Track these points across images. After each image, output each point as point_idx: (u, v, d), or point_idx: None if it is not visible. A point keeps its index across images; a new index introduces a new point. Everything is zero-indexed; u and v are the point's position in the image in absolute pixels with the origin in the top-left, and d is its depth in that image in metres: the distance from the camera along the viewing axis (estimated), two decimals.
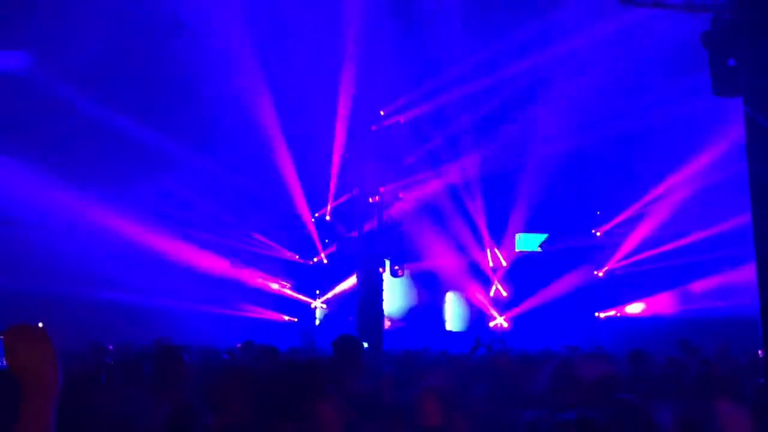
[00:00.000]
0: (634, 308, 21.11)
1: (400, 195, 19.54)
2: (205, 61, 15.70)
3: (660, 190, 19.15)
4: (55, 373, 1.64)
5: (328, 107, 18.34)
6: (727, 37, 7.21)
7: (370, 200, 19.18)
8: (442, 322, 23.12)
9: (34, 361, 1.62)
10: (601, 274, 21.89)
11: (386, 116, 19.05)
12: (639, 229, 20.23)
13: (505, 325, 22.31)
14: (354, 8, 16.17)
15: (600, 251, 21.72)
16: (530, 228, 21.65)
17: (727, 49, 7.22)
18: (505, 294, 22.92)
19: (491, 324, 22.68)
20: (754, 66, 6.74)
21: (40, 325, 1.83)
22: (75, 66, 14.91)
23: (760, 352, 8.07)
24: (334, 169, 19.40)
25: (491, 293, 22.76)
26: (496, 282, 22.61)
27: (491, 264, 22.69)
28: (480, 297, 22.74)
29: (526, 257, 22.27)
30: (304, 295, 21.34)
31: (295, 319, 21.20)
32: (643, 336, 17.86)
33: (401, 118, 19.23)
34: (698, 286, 18.84)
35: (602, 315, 21.77)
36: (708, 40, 7.43)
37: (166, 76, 16.07)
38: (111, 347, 13.10)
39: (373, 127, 18.89)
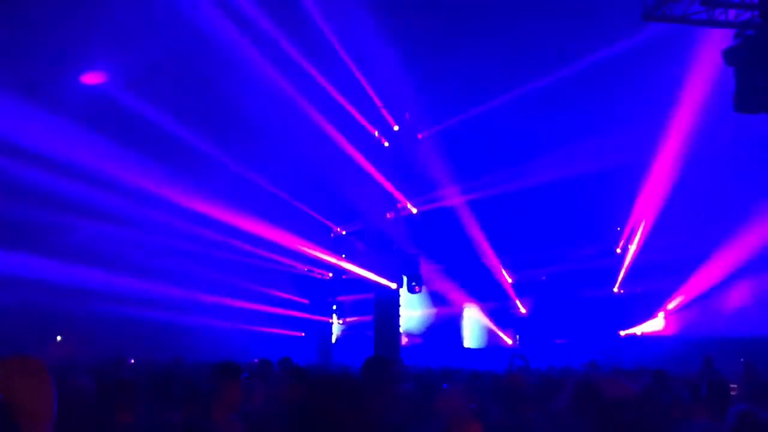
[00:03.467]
0: (654, 325, 20.82)
1: (417, 210, 19.52)
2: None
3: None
4: (51, 405, 1.64)
5: (345, 126, 18.40)
6: (751, 52, 7.13)
7: (388, 216, 19.19)
8: (459, 338, 22.98)
9: (29, 394, 1.61)
10: (621, 291, 21.67)
11: (403, 133, 19.06)
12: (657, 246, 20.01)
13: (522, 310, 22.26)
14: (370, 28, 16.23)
15: (616, 269, 21.54)
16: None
17: (752, 65, 7.14)
18: (524, 311, 22.77)
19: (508, 341, 22.51)
20: None
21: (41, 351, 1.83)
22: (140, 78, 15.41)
23: None
24: (353, 185, 19.42)
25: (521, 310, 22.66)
26: (517, 299, 22.49)
27: (510, 280, 22.56)
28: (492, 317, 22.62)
29: (549, 275, 22.08)
30: (321, 311, 21.33)
31: (303, 334, 21.22)
32: (666, 355, 17.62)
33: (419, 135, 19.26)
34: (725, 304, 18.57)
35: (624, 333, 21.50)
36: (732, 56, 7.36)
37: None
38: (132, 361, 13.24)
39: (385, 143, 18.90)
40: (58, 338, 17.93)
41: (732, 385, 10.58)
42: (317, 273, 21.41)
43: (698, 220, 17.95)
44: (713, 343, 16.49)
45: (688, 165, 17.56)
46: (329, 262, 20.77)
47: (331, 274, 21.40)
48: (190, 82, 15.82)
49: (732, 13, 7.70)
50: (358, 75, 17.43)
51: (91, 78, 15.93)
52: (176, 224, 17.75)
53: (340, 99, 17.90)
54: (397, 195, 19.63)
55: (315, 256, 20.37)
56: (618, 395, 4.66)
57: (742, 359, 13.40)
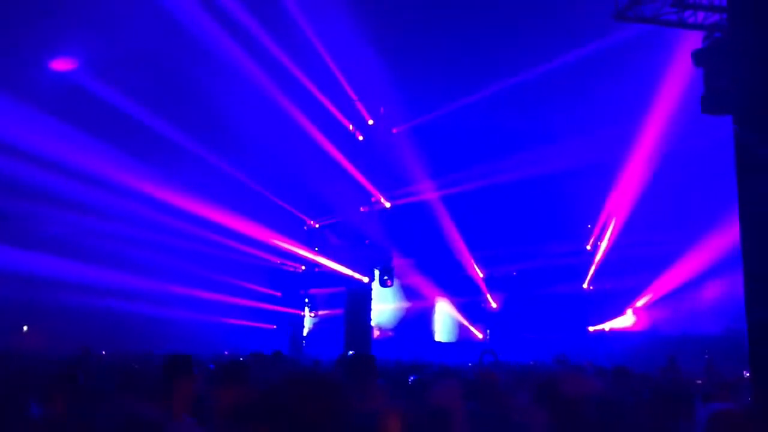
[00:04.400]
0: (623, 321, 21.13)
1: (390, 204, 19.55)
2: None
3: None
4: None
5: (320, 119, 18.35)
6: (718, 55, 7.27)
7: (361, 210, 19.19)
8: (430, 332, 23.09)
9: None
10: (590, 287, 21.98)
11: (378, 128, 19.06)
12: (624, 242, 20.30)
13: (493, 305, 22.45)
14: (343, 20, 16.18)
15: (586, 265, 21.81)
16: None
17: (718, 67, 7.28)
18: (495, 306, 22.95)
19: (479, 335, 22.68)
20: (743, 85, 6.78)
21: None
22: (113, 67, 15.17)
23: (745, 372, 8.07)
24: (326, 180, 19.37)
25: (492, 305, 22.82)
26: (490, 294, 22.65)
27: (481, 275, 22.71)
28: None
29: (520, 270, 22.26)
30: (293, 304, 21.26)
31: (274, 327, 21.15)
32: (635, 351, 17.90)
33: (394, 130, 19.27)
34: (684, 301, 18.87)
35: (592, 329, 21.79)
36: (699, 58, 7.50)
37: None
38: (103, 352, 13.10)
39: (360, 137, 18.87)
40: (24, 328, 17.69)
41: (698, 381, 10.85)
42: (290, 266, 21.34)
43: (670, 219, 18.22)
44: (680, 340, 16.81)
45: (661, 164, 17.79)
46: (302, 255, 20.74)
47: (303, 267, 21.35)
48: (164, 73, 15.65)
49: (701, 16, 7.85)
50: (334, 69, 17.38)
51: (61, 64, 15.62)
52: (148, 215, 17.58)
53: (316, 92, 17.84)
54: (371, 189, 19.63)
55: (288, 249, 20.32)
56: (577, 393, 4.73)
57: (705, 356, 13.72)
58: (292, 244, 20.37)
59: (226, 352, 15.05)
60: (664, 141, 17.12)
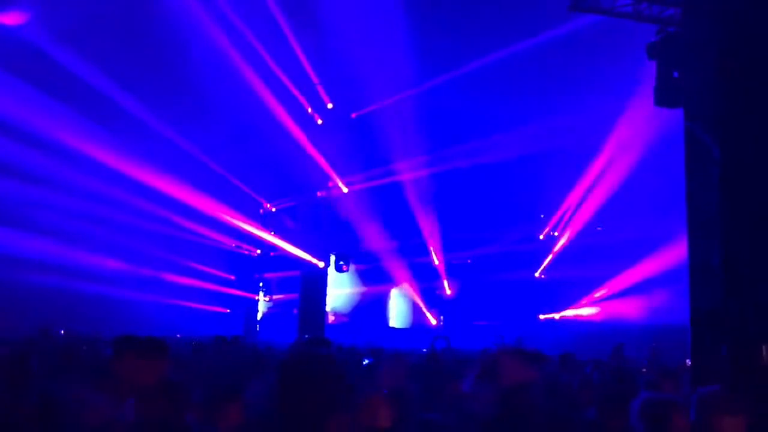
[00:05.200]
0: (579, 311, 21.38)
1: (349, 190, 19.45)
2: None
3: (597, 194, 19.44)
4: None
5: (280, 99, 18.07)
6: (671, 48, 7.38)
7: (318, 194, 19.07)
8: (385, 318, 23.16)
9: None
10: (542, 276, 22.28)
11: (337, 112, 18.90)
12: (579, 233, 20.57)
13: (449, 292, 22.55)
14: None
15: (542, 254, 22.07)
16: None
17: (671, 60, 7.39)
18: (449, 292, 23.11)
19: (433, 321, 22.84)
20: (696, 79, 6.90)
21: None
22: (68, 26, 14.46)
23: (688, 361, 8.27)
24: (284, 163, 19.15)
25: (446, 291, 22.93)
26: (447, 281, 22.76)
27: (436, 262, 22.82)
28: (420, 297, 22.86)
29: (474, 257, 22.40)
30: (247, 288, 21.04)
31: (228, 311, 20.87)
32: (585, 339, 18.21)
33: (353, 114, 19.14)
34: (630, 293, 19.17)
35: (543, 317, 22.13)
36: (653, 50, 7.59)
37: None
38: (62, 332, 12.68)
39: (319, 120, 18.68)
40: None
41: (642, 370, 11.09)
42: (245, 249, 21.11)
43: (640, 213, 18.17)
44: (631, 330, 17.14)
45: (629, 156, 17.69)
46: (257, 237, 20.50)
47: (259, 251, 21.14)
48: (123, 37, 15.00)
49: (657, 9, 7.95)
50: (297, 49, 17.13)
51: (10, 18, 14.76)
52: (98, 187, 16.88)
53: (279, 73, 17.55)
54: (329, 173, 19.49)
55: (244, 229, 19.99)
56: (518, 378, 4.76)
57: (652, 344, 14.05)
58: (248, 225, 20.08)
59: (178, 335, 14.83)
60: (637, 131, 16.81)
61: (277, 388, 2.50)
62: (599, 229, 20.07)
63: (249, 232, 20.21)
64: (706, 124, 6.71)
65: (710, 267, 6.77)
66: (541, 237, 22.32)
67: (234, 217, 19.60)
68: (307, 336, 15.08)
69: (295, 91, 18.32)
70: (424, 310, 23.02)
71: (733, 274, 6.60)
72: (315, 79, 18.39)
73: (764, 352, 6.19)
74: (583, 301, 21.14)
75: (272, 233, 20.50)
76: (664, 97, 7.50)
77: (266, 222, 20.65)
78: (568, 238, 21.11)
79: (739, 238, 6.61)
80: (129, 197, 17.56)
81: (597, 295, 20.71)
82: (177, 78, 15.71)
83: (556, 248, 21.55)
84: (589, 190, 19.65)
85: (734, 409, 3.35)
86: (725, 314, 6.56)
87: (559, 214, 21.37)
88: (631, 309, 19.06)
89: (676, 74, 7.39)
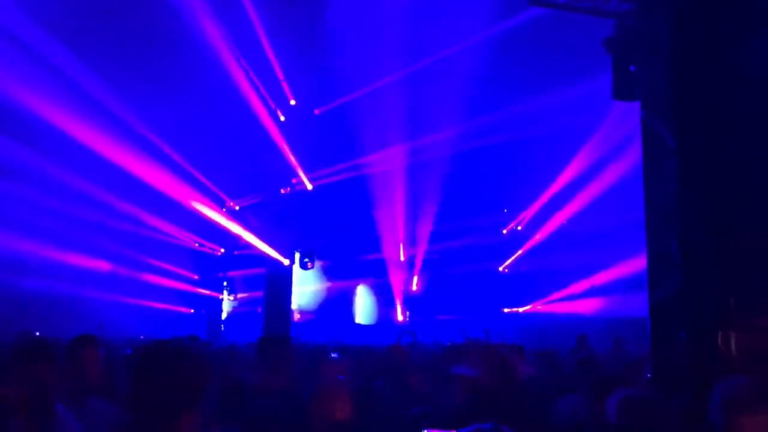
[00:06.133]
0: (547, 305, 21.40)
1: (313, 186, 19.35)
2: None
3: (561, 188, 19.58)
4: None
5: (241, 96, 17.85)
6: (628, 43, 7.51)
7: (282, 191, 18.94)
8: (351, 314, 23.15)
9: None
10: (506, 270, 22.51)
11: (300, 108, 18.77)
12: (542, 228, 20.78)
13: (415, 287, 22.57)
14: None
15: (506, 249, 22.27)
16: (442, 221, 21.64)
17: (628, 54, 7.52)
18: (415, 288, 23.20)
19: (399, 317, 22.90)
20: (652, 72, 7.03)
21: None
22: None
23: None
24: (247, 159, 18.94)
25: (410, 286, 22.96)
26: (415, 276, 22.80)
27: (402, 258, 22.88)
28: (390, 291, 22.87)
29: (439, 252, 22.48)
30: (211, 287, 20.79)
31: (192, 311, 20.53)
32: (545, 332, 18.44)
33: (316, 111, 19.05)
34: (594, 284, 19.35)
35: (507, 311, 22.36)
36: (611, 45, 7.72)
37: None
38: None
39: (282, 117, 18.53)
40: None
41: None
42: (208, 248, 20.86)
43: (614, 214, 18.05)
44: (595, 321, 17.37)
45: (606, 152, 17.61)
46: (222, 234, 20.24)
47: (222, 250, 20.91)
48: (91, 22, 14.46)
49: (614, 4, 8.07)
50: (266, 45, 16.93)
51: None
52: (51, 172, 16.09)
53: (246, 68, 17.28)
54: (293, 170, 19.36)
55: (211, 222, 19.53)
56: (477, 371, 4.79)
57: (614, 336, 14.28)
58: (212, 222, 19.76)
59: (142, 337, 14.53)
60: (612, 129, 16.47)
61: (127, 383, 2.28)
62: (565, 223, 20.23)
63: (216, 226, 19.78)
64: (662, 116, 6.84)
65: (668, 256, 6.90)
66: (505, 231, 22.54)
67: (198, 212, 19.21)
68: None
69: (261, 88, 18.13)
70: (388, 306, 23.05)
71: (690, 262, 6.74)
72: (280, 75, 18.24)
73: (719, 340, 6.35)
74: (548, 297, 21.33)
75: (239, 227, 20.26)
76: (621, 91, 7.63)
77: (230, 219, 20.39)
78: (537, 233, 21.23)
79: (696, 227, 6.76)
80: (85, 186, 16.84)
81: (558, 294, 20.81)
82: (140, 63, 15.23)
83: (527, 244, 21.65)
84: (557, 184, 19.79)
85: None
86: (683, 302, 6.71)
87: (527, 210, 21.47)
88: (593, 304, 19.34)
89: (632, 68, 7.52)
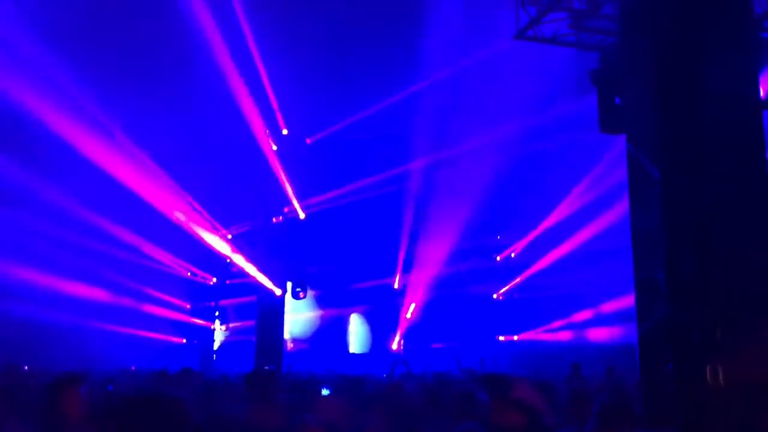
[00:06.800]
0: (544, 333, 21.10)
1: (303, 216, 19.38)
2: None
3: (557, 215, 19.55)
4: None
5: (240, 124, 17.94)
6: (612, 76, 7.62)
7: (274, 220, 18.96)
8: (345, 343, 23.03)
9: None
10: (500, 297, 22.45)
11: (292, 137, 18.89)
12: (538, 255, 20.70)
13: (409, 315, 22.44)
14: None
15: (500, 275, 22.22)
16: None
17: (612, 87, 7.63)
18: (409, 316, 23.10)
19: (393, 345, 22.77)
20: (635, 105, 7.13)
21: None
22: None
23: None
24: (240, 187, 18.98)
25: (407, 315, 22.87)
26: (412, 305, 22.69)
27: (396, 286, 22.83)
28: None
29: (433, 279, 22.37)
30: (202, 316, 20.67)
31: (184, 341, 20.32)
32: (539, 359, 18.36)
33: (308, 140, 19.19)
34: (587, 314, 19.28)
35: (502, 338, 22.25)
36: (596, 77, 7.83)
37: None
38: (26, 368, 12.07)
39: (274, 147, 18.63)
40: None
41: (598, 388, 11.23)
42: (200, 277, 20.79)
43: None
44: (582, 348, 17.31)
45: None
46: (214, 263, 20.19)
47: (214, 279, 20.85)
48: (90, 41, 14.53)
49: (598, 38, 8.22)
50: (263, 75, 17.09)
51: None
52: (45, 198, 16.00)
53: (244, 98, 17.39)
54: (285, 199, 19.39)
55: (207, 247, 19.41)
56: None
57: (608, 365, 14.23)
58: (206, 250, 19.66)
59: (133, 368, 14.36)
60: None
61: None
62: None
63: (208, 254, 19.68)
64: (646, 146, 6.93)
65: (655, 286, 6.94)
66: (498, 258, 22.53)
67: (192, 240, 19.12)
68: (267, 367, 14.92)
69: (258, 116, 18.22)
70: (381, 334, 22.91)
71: (677, 292, 6.78)
72: (275, 104, 18.36)
73: (708, 372, 6.36)
74: (544, 326, 21.11)
75: (229, 261, 20.21)
76: (607, 123, 7.73)
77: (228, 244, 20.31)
78: (534, 261, 20.99)
79: (682, 257, 6.81)
80: (81, 211, 16.75)
81: (555, 322, 20.62)
82: (143, 88, 15.32)
83: (524, 272, 21.44)
84: (555, 214, 19.72)
85: None
86: (670, 332, 6.73)
87: (523, 238, 21.32)
88: (588, 332, 19.25)
89: (617, 101, 7.63)
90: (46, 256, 16.35)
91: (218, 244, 19.50)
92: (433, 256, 21.38)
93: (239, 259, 19.26)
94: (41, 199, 16.14)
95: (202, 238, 19.22)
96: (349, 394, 7.93)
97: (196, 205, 18.86)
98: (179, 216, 18.31)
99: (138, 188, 17.22)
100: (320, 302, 22.06)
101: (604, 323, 18.28)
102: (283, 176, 18.88)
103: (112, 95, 15.72)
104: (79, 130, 15.74)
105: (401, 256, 21.93)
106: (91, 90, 15.41)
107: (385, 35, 15.46)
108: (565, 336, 20.11)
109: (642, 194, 7.27)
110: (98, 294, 17.85)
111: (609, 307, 17.60)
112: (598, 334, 18.31)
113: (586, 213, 17.92)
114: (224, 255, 19.68)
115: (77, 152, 15.88)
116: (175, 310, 20.30)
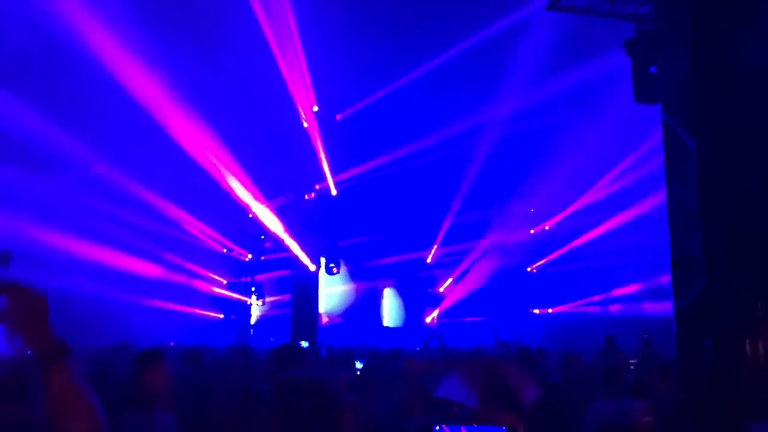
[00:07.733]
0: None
1: (338, 191, 19.42)
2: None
3: (595, 190, 19.29)
4: None
5: (269, 103, 17.91)
6: (648, 46, 7.42)
7: (307, 197, 19.04)
8: (379, 317, 23.19)
9: None
10: (534, 270, 22.34)
11: (323, 114, 18.85)
12: (573, 229, 20.46)
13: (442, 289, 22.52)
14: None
15: (534, 249, 22.06)
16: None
17: (648, 57, 7.44)
18: (443, 290, 23.16)
19: (427, 319, 22.87)
20: (672, 75, 6.94)
21: None
22: None
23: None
24: (271, 166, 19.01)
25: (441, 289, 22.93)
26: (449, 279, 22.73)
27: (430, 260, 22.86)
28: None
29: (463, 252, 22.33)
30: (240, 292, 20.88)
31: (221, 316, 20.50)
32: (573, 332, 18.28)
33: (338, 116, 19.14)
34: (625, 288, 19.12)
35: (536, 311, 22.18)
36: (631, 48, 7.64)
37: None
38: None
39: (305, 123, 18.62)
40: None
41: (632, 361, 11.16)
42: (236, 252, 20.99)
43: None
44: (624, 321, 17.12)
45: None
46: (249, 239, 20.33)
47: (250, 255, 21.04)
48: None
49: (632, 7, 8.00)
50: (300, 52, 17.07)
51: None
52: (88, 171, 16.05)
53: (282, 73, 17.37)
54: (317, 174, 19.42)
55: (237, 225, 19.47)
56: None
57: (644, 336, 14.09)
58: (243, 225, 19.77)
59: (172, 344, 14.49)
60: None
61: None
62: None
63: (244, 229, 19.75)
64: (683, 118, 6.76)
65: (692, 261, 6.82)
66: (532, 231, 22.36)
67: (230, 213, 19.16)
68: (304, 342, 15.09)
69: (292, 94, 18.17)
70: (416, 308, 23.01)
71: (714, 266, 6.65)
72: (308, 80, 18.28)
73: (747, 346, 6.26)
74: (579, 299, 20.95)
75: (263, 238, 20.33)
76: (642, 94, 7.56)
77: (255, 227, 20.37)
78: (572, 236, 20.72)
79: (718, 230, 6.67)
80: (123, 182, 16.73)
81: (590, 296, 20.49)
82: (190, 64, 15.35)
83: (562, 248, 21.21)
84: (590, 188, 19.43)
85: None
86: (707, 308, 6.62)
87: (559, 211, 21.01)
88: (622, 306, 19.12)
89: (653, 70, 7.44)
90: (89, 228, 16.24)
91: (265, 214, 19.44)
92: (464, 230, 21.31)
93: (280, 230, 19.22)
94: (87, 169, 16.22)
95: (249, 208, 19.23)
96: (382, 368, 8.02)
97: (243, 176, 18.73)
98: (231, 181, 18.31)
99: (182, 152, 17.02)
100: (354, 276, 22.19)
101: (641, 298, 18.13)
102: (317, 152, 18.88)
103: (168, 76, 15.72)
104: (137, 103, 15.74)
105: (443, 229, 21.82)
106: (147, 70, 15.47)
107: (414, 4, 15.28)
108: (599, 309, 19.98)
109: (678, 167, 7.12)
110: (139, 266, 17.63)
111: (647, 282, 17.44)
112: (634, 308, 18.16)
113: (630, 191, 17.64)
114: (265, 226, 19.67)
115: (128, 123, 15.98)
116: (213, 284, 20.51)
